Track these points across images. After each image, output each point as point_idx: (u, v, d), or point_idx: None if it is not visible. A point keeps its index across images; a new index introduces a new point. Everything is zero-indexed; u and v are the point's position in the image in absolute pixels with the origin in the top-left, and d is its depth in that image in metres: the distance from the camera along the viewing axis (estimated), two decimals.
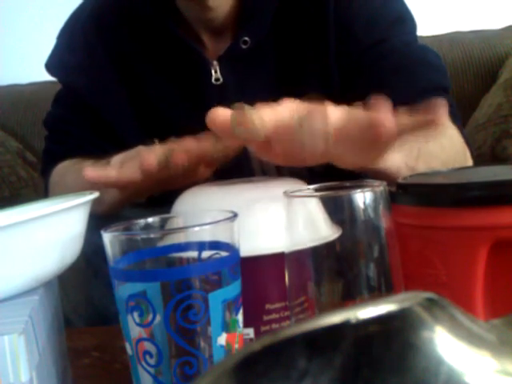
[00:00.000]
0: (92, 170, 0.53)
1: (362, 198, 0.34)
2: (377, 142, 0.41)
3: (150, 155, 0.52)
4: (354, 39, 0.75)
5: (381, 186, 0.35)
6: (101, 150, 0.80)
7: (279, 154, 0.44)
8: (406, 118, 0.41)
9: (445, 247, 0.39)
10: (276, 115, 0.41)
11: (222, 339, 0.33)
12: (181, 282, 0.32)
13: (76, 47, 0.84)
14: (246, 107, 0.38)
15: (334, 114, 0.42)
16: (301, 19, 0.76)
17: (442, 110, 0.40)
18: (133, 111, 0.82)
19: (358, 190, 0.34)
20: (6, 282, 0.36)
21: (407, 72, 0.74)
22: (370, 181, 0.37)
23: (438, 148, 0.64)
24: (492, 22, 1.61)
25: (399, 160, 0.57)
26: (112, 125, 0.83)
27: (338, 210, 0.34)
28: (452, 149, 0.68)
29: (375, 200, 0.34)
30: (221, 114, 0.42)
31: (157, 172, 0.52)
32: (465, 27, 1.58)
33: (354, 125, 0.41)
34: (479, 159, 0.74)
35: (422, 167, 0.58)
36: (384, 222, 0.35)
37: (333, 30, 0.75)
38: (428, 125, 0.41)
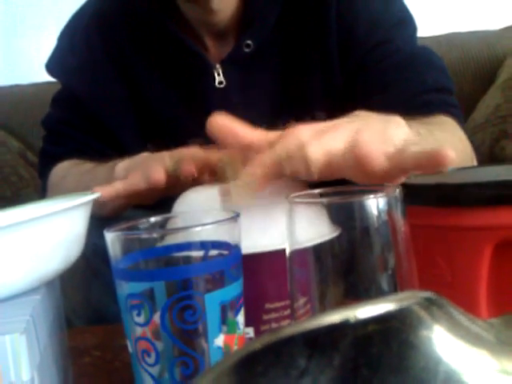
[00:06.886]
0: (101, 190, 0.52)
1: (368, 204, 0.32)
2: (370, 174, 0.39)
3: (159, 171, 0.51)
4: (356, 42, 0.75)
5: (396, 191, 0.33)
6: (99, 153, 0.79)
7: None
8: (411, 154, 0.39)
9: (449, 247, 0.39)
10: (262, 167, 0.40)
11: (220, 340, 0.33)
12: (179, 283, 0.32)
13: (77, 49, 0.83)
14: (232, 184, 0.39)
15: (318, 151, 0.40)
16: (303, 23, 0.76)
17: (449, 154, 0.37)
18: (134, 114, 0.81)
19: (371, 196, 0.32)
20: (8, 281, 0.36)
21: (412, 71, 0.74)
22: (378, 185, 0.36)
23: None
24: (490, 22, 1.60)
25: None
26: (111, 127, 0.82)
27: (341, 215, 0.33)
28: (463, 151, 0.68)
29: (385, 205, 0.32)
30: (220, 121, 0.42)
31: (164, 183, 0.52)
32: (463, 28, 1.57)
33: (341, 161, 0.40)
34: (477, 159, 0.74)
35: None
36: (392, 227, 0.33)
37: (335, 33, 0.75)
38: (434, 164, 0.38)
